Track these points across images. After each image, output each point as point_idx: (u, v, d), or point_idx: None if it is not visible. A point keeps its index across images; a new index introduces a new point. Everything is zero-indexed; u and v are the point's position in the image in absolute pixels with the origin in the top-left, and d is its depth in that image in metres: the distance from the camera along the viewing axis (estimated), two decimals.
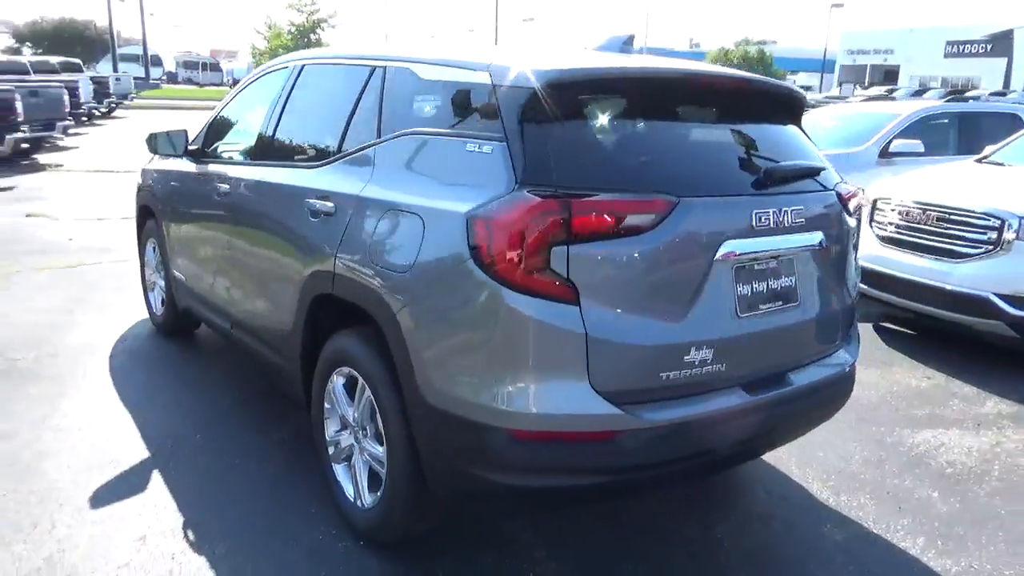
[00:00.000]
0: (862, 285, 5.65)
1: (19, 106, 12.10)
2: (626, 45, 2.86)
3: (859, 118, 8.08)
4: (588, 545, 2.90)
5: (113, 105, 25.27)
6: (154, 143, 4.26)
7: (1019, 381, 4.68)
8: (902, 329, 5.76)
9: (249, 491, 3.16)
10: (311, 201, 2.91)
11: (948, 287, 4.92)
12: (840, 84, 47.89)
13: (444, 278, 2.28)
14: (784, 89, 2.82)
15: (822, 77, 52.66)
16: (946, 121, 7.74)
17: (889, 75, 51.17)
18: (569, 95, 2.24)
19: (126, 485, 3.17)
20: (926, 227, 5.17)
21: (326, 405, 2.94)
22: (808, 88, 49.13)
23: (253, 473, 3.31)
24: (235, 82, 31.83)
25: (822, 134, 7.96)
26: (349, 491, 2.85)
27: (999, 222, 4.78)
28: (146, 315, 5.27)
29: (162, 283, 4.86)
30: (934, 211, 5.12)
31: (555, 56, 2.45)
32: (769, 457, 3.58)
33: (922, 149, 7.07)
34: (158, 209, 4.69)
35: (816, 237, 2.58)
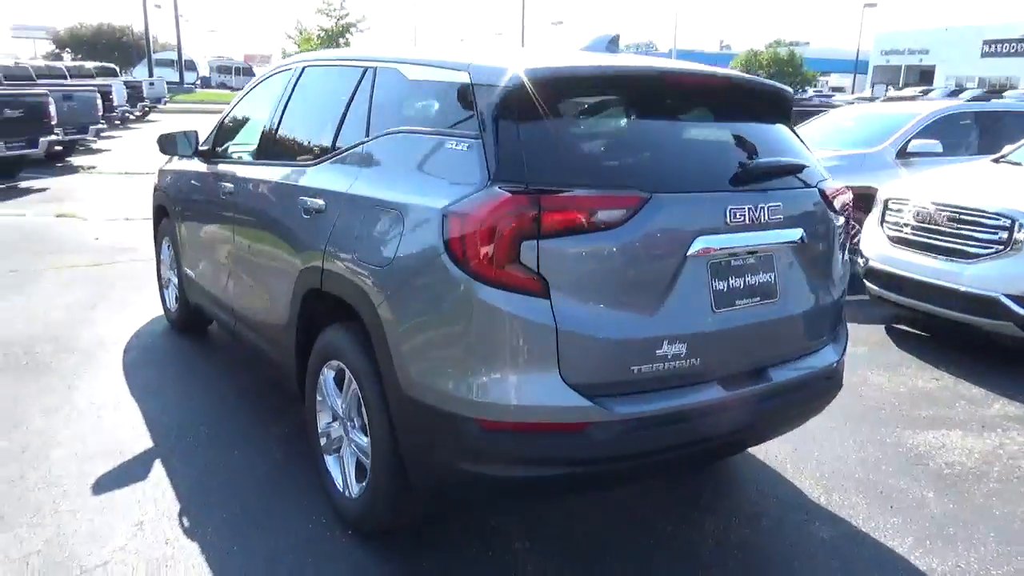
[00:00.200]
0: (872, 286, 5.63)
1: (53, 110, 12.43)
2: (611, 44, 2.89)
3: (877, 118, 8.00)
4: (571, 538, 2.93)
5: (147, 109, 25.82)
6: (165, 144, 4.38)
7: None
8: (915, 331, 5.69)
9: (246, 481, 3.24)
10: (304, 199, 2.99)
11: (958, 288, 4.86)
12: (872, 85, 47.14)
13: (421, 272, 2.33)
14: (769, 87, 2.84)
15: (854, 78, 51.89)
16: (967, 121, 7.62)
17: (924, 76, 50.27)
18: (543, 94, 2.28)
19: (128, 473, 3.27)
20: (937, 227, 5.11)
21: (318, 398, 3.02)
22: (840, 90, 48.46)
23: (252, 464, 3.39)
24: None
25: (840, 134, 7.91)
26: (339, 481, 2.92)
27: (1010, 222, 4.71)
28: (161, 312, 5.42)
29: (176, 280, 4.99)
30: (946, 211, 5.06)
31: (533, 56, 2.49)
32: (763, 455, 3.59)
33: (940, 149, 6.98)
34: (171, 209, 4.82)
35: (795, 233, 2.58)
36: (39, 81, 16.06)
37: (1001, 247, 4.73)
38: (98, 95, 15.37)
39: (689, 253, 2.32)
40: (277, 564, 2.68)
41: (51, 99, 12.49)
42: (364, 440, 2.70)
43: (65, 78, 19.71)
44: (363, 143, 2.83)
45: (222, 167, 4.06)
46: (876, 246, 5.62)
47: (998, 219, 4.77)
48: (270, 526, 2.91)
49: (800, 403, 2.79)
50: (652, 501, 3.22)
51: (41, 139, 12.25)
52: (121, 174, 13.45)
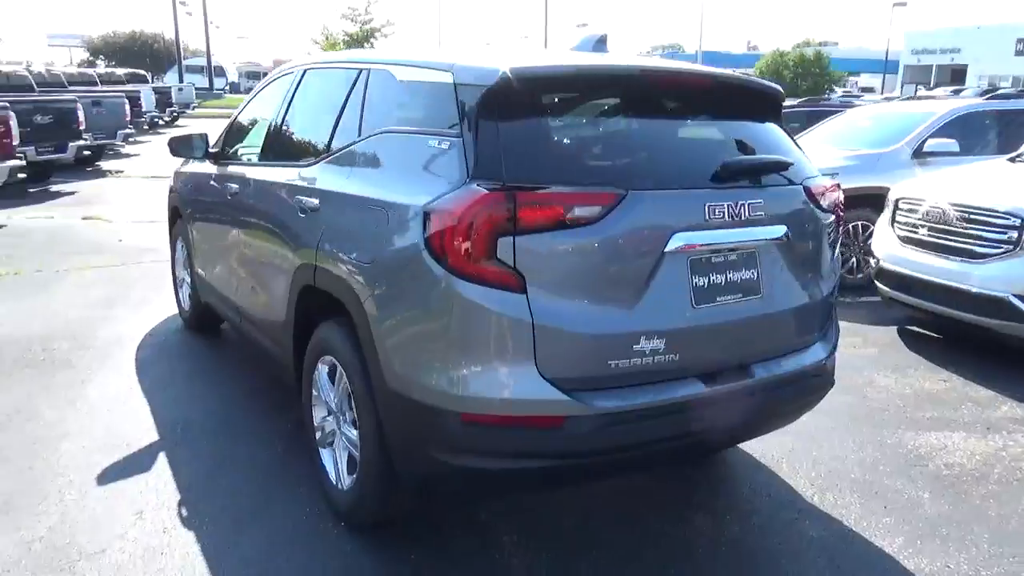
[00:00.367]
0: (883, 287, 5.58)
1: (82, 115, 12.74)
2: (599, 44, 2.93)
3: (894, 118, 7.90)
4: (561, 533, 2.96)
5: (175, 114, 26.31)
6: (176, 147, 4.49)
7: None
8: (928, 333, 5.63)
9: (246, 474, 3.32)
10: (300, 198, 3.07)
11: (967, 288, 4.81)
12: (902, 85, 46.42)
13: (403, 268, 2.39)
14: (755, 86, 2.85)
15: (884, 78, 51.11)
16: (986, 120, 7.50)
17: (956, 75, 49.32)
18: (522, 93, 2.32)
19: (133, 465, 3.37)
20: (947, 227, 5.06)
21: (313, 392, 3.08)
22: (870, 90, 47.76)
23: (252, 457, 3.47)
24: None
25: (857, 134, 7.84)
26: (332, 474, 2.98)
27: (1020, 221, 4.65)
28: (176, 311, 5.54)
29: (188, 280, 5.11)
30: (955, 210, 5.01)
31: (517, 57, 2.53)
32: (759, 454, 3.59)
33: (957, 148, 6.88)
34: (183, 210, 4.94)
35: (779, 230, 2.59)
36: (70, 88, 16.45)
37: (1011, 247, 4.67)
38: (126, 101, 15.72)
39: (667, 249, 2.34)
40: (269, 553, 2.75)
41: (80, 105, 12.82)
42: (354, 433, 2.76)
43: (96, 84, 20.16)
44: (355, 143, 2.90)
45: (229, 168, 4.16)
46: (887, 246, 5.57)
47: (1008, 218, 4.71)
48: (266, 517, 2.98)
49: (786, 400, 2.79)
50: (645, 498, 3.25)
51: (70, 144, 12.58)
52: (148, 178, 13.72)
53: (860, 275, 6.87)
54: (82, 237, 8.66)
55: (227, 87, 53.72)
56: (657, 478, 3.40)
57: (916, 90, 36.02)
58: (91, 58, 55.52)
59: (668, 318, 2.37)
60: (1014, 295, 4.58)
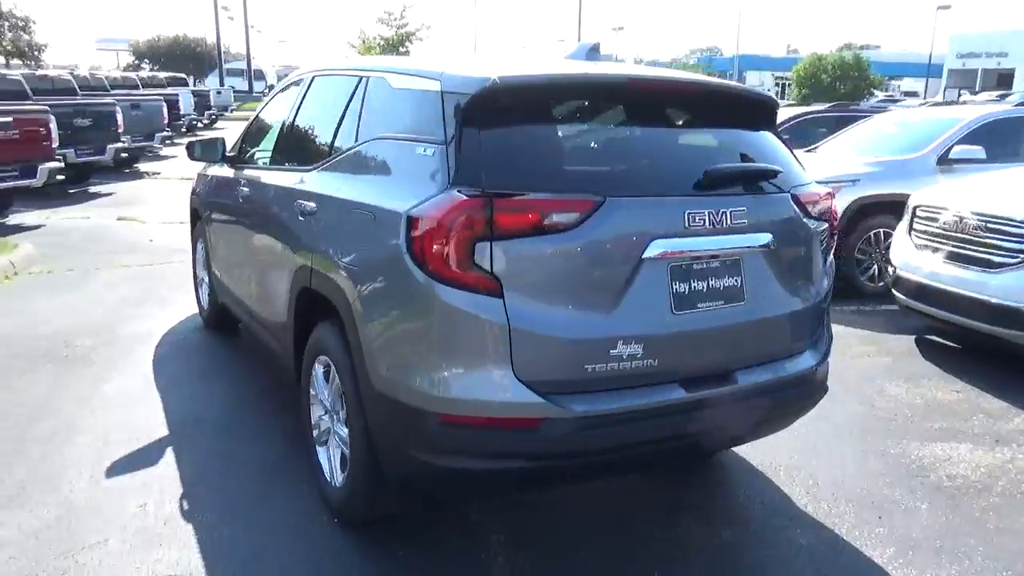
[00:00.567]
0: (900, 295, 5.51)
1: (120, 118, 13.11)
2: (592, 52, 2.96)
3: (921, 124, 7.78)
4: (549, 534, 3.00)
5: (214, 116, 26.86)
6: (193, 150, 4.62)
7: None
8: (946, 343, 5.54)
9: (249, 469, 3.42)
10: (300, 202, 3.16)
11: (982, 298, 4.73)
12: (945, 89, 45.41)
13: (387, 272, 2.45)
14: (744, 94, 2.86)
15: (927, 82, 50.11)
16: (1016, 127, 7.34)
17: (1003, 79, 48.11)
18: (505, 101, 2.37)
19: (141, 459, 3.49)
20: (963, 235, 4.98)
21: (311, 392, 3.17)
22: (913, 94, 46.81)
23: (257, 454, 3.57)
24: None
25: (882, 141, 7.73)
26: (327, 471, 3.06)
27: None
28: (197, 310, 5.69)
29: (207, 279, 5.25)
30: (972, 219, 4.93)
31: (506, 65, 2.58)
32: (757, 462, 3.58)
33: (983, 155, 6.76)
34: (202, 212, 5.09)
35: (763, 238, 2.60)
36: (111, 91, 16.93)
37: None
38: (164, 104, 16.11)
39: (645, 256, 2.37)
40: (262, 546, 2.84)
41: (119, 108, 13.18)
42: (345, 432, 2.83)
43: (137, 88, 20.72)
44: (351, 149, 2.98)
45: (242, 172, 4.27)
46: (903, 255, 5.50)
47: None
48: (263, 512, 3.07)
49: (773, 407, 2.79)
50: (637, 500, 3.27)
51: (109, 146, 12.94)
52: (183, 179, 14.01)
53: (881, 283, 6.78)
54: (116, 237, 8.93)
55: (266, 89, 54.67)
56: (651, 481, 3.42)
57: (959, 95, 35.21)
58: (136, 62, 56.93)
59: (647, 324, 2.40)
60: None
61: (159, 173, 15.03)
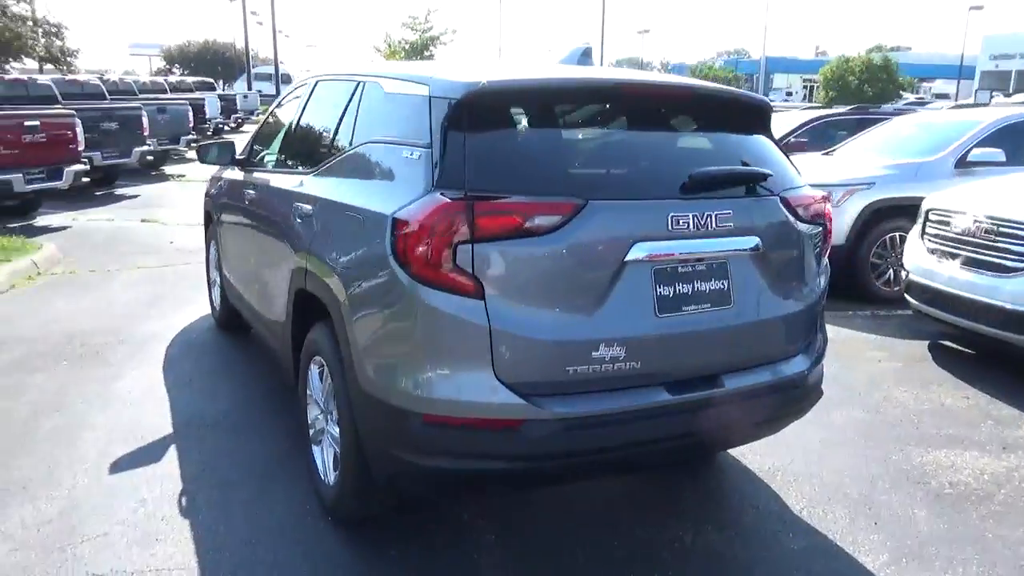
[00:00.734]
0: (912, 300, 5.44)
1: (146, 122, 13.36)
2: (584, 57, 2.98)
3: (940, 126, 7.67)
4: (541, 535, 3.01)
5: (240, 120, 27.21)
6: (203, 153, 4.70)
7: None
8: (960, 348, 5.46)
9: (249, 468, 3.48)
10: (298, 204, 3.21)
11: (995, 303, 4.66)
12: (976, 92, 44.56)
13: (374, 273, 2.49)
14: (734, 97, 2.85)
15: (958, 84, 49.18)
16: None
17: None
18: (489, 106, 2.40)
19: (144, 456, 3.56)
20: (974, 239, 4.91)
21: (308, 392, 3.22)
22: (945, 96, 46.02)
23: (259, 452, 3.63)
24: None
25: (901, 143, 7.63)
26: (321, 470, 3.10)
27: None
28: (210, 311, 5.79)
29: (219, 280, 5.34)
30: (983, 222, 4.86)
31: (496, 70, 2.61)
32: (755, 466, 3.56)
33: (1003, 158, 6.64)
34: (214, 214, 5.18)
35: (750, 241, 2.59)
36: (139, 96, 17.26)
37: None
38: (189, 108, 16.38)
39: (628, 259, 2.38)
40: (256, 543, 2.88)
41: (144, 112, 13.43)
42: (337, 431, 2.87)
43: (165, 92, 21.09)
44: (346, 152, 3.02)
45: (249, 175, 4.35)
46: (916, 258, 5.43)
47: None
48: (260, 509, 3.12)
49: (762, 411, 2.78)
50: (631, 503, 3.27)
51: (134, 149, 13.20)
52: (207, 182, 14.26)
53: (896, 288, 6.69)
54: (138, 238, 9.10)
55: None
56: (645, 483, 3.42)
57: (991, 97, 34.55)
58: (167, 66, 57.92)
59: (629, 326, 2.40)
60: None
61: (184, 176, 15.28)
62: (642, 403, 2.45)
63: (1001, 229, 4.76)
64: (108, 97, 15.28)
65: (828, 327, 5.88)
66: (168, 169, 16.14)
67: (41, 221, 10.15)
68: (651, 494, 3.37)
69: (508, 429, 2.33)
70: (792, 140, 9.85)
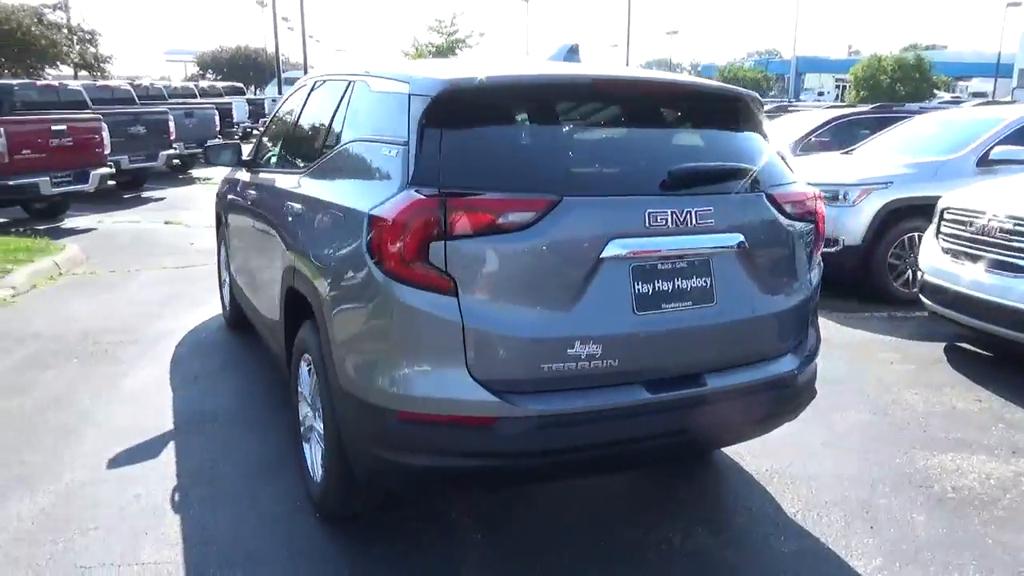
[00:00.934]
0: (926, 301, 5.32)
1: (172, 126, 13.59)
2: (570, 54, 2.96)
3: (962, 124, 7.50)
4: (527, 533, 2.99)
5: None
6: (210, 155, 4.77)
7: None
8: (976, 350, 5.32)
9: (245, 464, 3.51)
10: (290, 204, 3.24)
11: (1008, 303, 4.54)
12: (1013, 90, 43.52)
13: (351, 271, 2.50)
14: (719, 91, 2.80)
15: (995, 83, 48.10)
16: None
17: None
18: (464, 103, 2.39)
19: (143, 451, 3.62)
20: (988, 238, 4.79)
21: (299, 389, 3.24)
22: (982, 95, 45.04)
23: (256, 449, 3.66)
24: None
25: (921, 141, 7.48)
26: (310, 466, 3.12)
27: None
28: (221, 310, 5.87)
29: (228, 280, 5.41)
30: (996, 221, 4.74)
31: (464, 67, 2.61)
32: (753, 468, 3.51)
33: None
34: (222, 215, 5.25)
35: (733, 238, 2.55)
36: (168, 100, 17.57)
37: None
38: (216, 113, 16.63)
39: (603, 255, 2.35)
40: (243, 538, 2.91)
41: (171, 117, 13.67)
42: (322, 428, 2.89)
43: (195, 97, 21.45)
44: (334, 151, 3.04)
45: (256, 176, 4.39)
46: (930, 259, 5.32)
47: None
48: (252, 505, 3.15)
49: (749, 411, 2.73)
50: (620, 503, 3.25)
51: (161, 153, 13.44)
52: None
53: (914, 288, 6.55)
54: (160, 240, 9.27)
55: None
56: (636, 482, 3.39)
57: None
58: (200, 72, 58.90)
59: (606, 324, 2.38)
60: None
61: (210, 179, 15.50)
62: (620, 401, 2.42)
63: (1017, 228, 4.63)
64: (138, 102, 15.59)
65: (843, 328, 5.89)
66: (195, 172, 16.41)
67: (68, 223, 10.39)
68: (645, 494, 3.34)
69: (482, 427, 2.32)
70: (813, 139, 9.71)
